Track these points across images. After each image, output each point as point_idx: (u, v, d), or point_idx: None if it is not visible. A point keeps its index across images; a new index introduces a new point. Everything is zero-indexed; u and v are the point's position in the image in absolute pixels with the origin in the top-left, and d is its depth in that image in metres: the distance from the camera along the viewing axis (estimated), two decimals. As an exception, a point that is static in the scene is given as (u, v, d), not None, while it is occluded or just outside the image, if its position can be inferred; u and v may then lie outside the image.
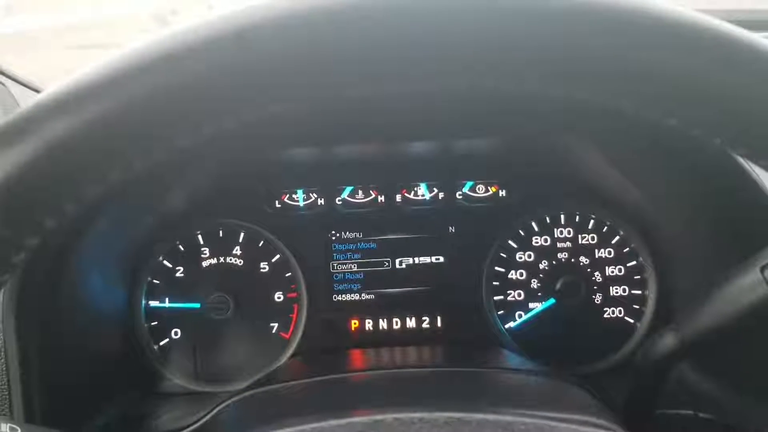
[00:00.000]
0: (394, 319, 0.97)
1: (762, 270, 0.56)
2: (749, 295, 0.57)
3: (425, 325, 0.97)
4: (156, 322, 0.94)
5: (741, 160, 0.73)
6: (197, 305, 0.94)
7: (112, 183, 0.36)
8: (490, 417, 0.43)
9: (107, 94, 0.33)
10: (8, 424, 0.56)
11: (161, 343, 0.94)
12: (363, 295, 0.97)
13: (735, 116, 0.35)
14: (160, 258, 0.95)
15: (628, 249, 0.96)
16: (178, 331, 0.94)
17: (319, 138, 0.83)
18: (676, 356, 0.63)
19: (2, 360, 0.72)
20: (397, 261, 0.97)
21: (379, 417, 0.46)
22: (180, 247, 0.95)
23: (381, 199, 0.98)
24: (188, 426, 0.67)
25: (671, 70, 0.33)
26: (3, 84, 0.93)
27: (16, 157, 0.32)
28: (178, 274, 0.95)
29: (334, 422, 0.44)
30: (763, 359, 0.71)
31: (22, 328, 0.72)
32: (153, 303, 0.94)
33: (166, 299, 0.94)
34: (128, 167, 0.35)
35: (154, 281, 0.94)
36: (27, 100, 0.91)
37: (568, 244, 0.97)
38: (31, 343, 0.73)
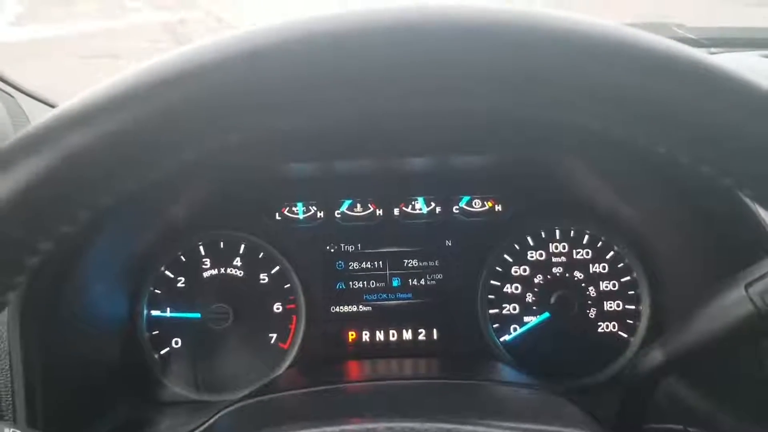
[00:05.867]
0: (391, 331, 0.98)
1: (746, 287, 0.58)
2: (734, 311, 0.58)
3: (421, 337, 0.98)
4: (157, 332, 0.96)
5: None
6: (198, 315, 0.96)
7: (123, 193, 0.38)
8: (480, 429, 0.45)
9: (121, 109, 0.35)
10: (12, 429, 0.58)
11: (162, 352, 0.96)
12: (360, 307, 0.99)
13: (741, 157, 0.36)
14: (163, 268, 0.97)
15: (622, 264, 0.98)
16: (179, 340, 0.96)
17: (320, 153, 0.85)
18: (663, 371, 0.65)
19: (7, 366, 0.74)
20: (395, 274, 0.99)
21: (371, 426, 0.48)
22: (182, 257, 0.97)
23: (379, 212, 1.00)
24: None
25: (680, 112, 0.35)
26: (12, 96, 0.96)
27: (36, 165, 0.35)
28: (179, 285, 0.97)
29: (328, 429, 0.46)
30: (748, 375, 0.72)
31: (26, 335, 0.74)
32: (155, 312, 0.96)
33: (168, 309, 0.96)
34: (140, 178, 0.38)
35: (156, 291, 0.96)
36: (35, 112, 0.93)
37: (563, 258, 0.98)
38: (35, 350, 0.75)
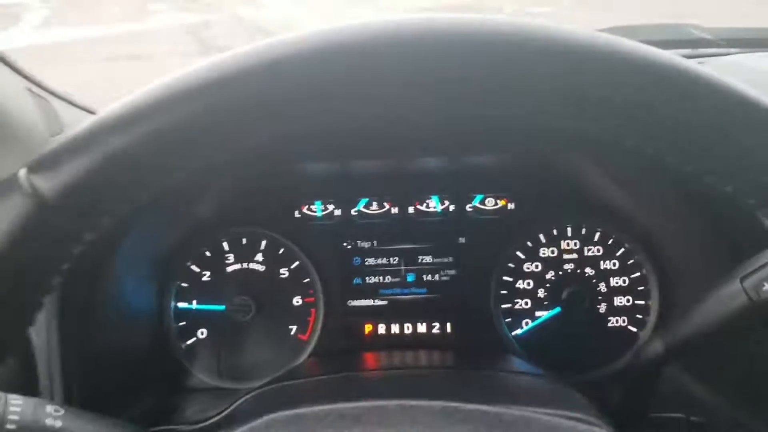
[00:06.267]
0: (406, 325, 1.02)
1: (741, 280, 0.61)
2: (729, 303, 0.61)
3: (435, 330, 1.02)
4: (184, 323, 1.01)
5: None
6: (222, 307, 1.01)
7: (158, 190, 0.43)
8: (482, 407, 0.48)
9: (157, 114, 0.40)
10: (53, 406, 0.62)
11: (188, 342, 1.01)
12: (376, 301, 1.03)
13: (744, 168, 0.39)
14: (189, 263, 1.01)
15: (632, 261, 1.00)
16: (204, 331, 1.01)
17: (337, 154, 0.89)
18: (663, 360, 0.68)
19: (45, 351, 0.79)
20: (409, 269, 1.03)
21: (383, 403, 0.51)
22: (207, 253, 1.02)
23: (395, 210, 1.03)
24: (211, 418, 0.72)
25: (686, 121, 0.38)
26: (45, 99, 1.01)
27: (82, 164, 0.39)
28: (204, 278, 1.01)
29: (342, 406, 0.49)
30: (743, 365, 0.75)
31: (64, 323, 0.79)
32: (181, 305, 1.01)
33: (194, 301, 1.01)
34: (172, 176, 0.42)
35: (183, 285, 1.01)
36: (68, 115, 0.98)
37: (574, 255, 1.01)
38: (72, 337, 0.80)
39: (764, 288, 0.59)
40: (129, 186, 0.42)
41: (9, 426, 0.57)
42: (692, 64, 0.39)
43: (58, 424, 0.63)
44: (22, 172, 0.40)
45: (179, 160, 0.42)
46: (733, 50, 1.17)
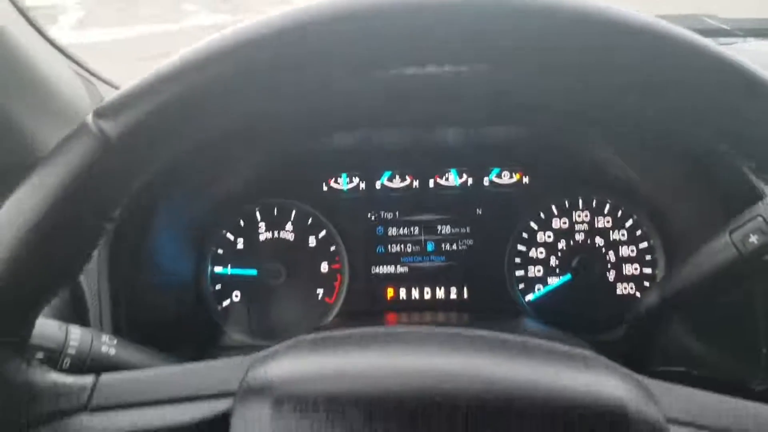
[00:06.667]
0: (425, 289, 1.09)
1: (730, 233, 0.66)
2: (719, 255, 0.66)
3: (453, 295, 1.09)
4: (219, 286, 1.09)
5: None
6: (254, 272, 1.09)
7: (190, 144, 0.48)
8: (487, 334, 0.53)
9: (210, 65, 0.44)
10: (107, 336, 0.70)
11: (223, 304, 1.09)
12: (398, 268, 1.10)
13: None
14: (224, 231, 1.10)
15: (640, 232, 1.06)
16: (238, 293, 1.09)
17: (362, 124, 0.96)
18: (658, 311, 0.73)
19: (96, 301, 0.88)
20: (429, 239, 1.10)
21: (398, 329, 0.57)
22: (241, 222, 1.10)
23: (416, 184, 1.10)
24: None
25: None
26: (92, 83, 1.10)
27: (144, 109, 0.44)
28: (238, 245, 1.10)
29: (369, 329, 0.55)
30: (734, 316, 0.80)
31: (113, 272, 0.88)
32: (217, 269, 1.09)
33: (228, 266, 1.09)
34: (220, 123, 0.48)
35: (218, 251, 1.09)
36: (108, 93, 1.07)
37: (585, 226, 1.07)
38: (119, 288, 0.89)
39: (750, 240, 0.64)
40: (184, 130, 0.48)
41: (69, 351, 0.65)
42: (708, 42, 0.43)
43: (112, 351, 0.71)
44: (89, 117, 0.44)
45: (227, 108, 0.49)
46: (750, 39, 1.21)
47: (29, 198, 0.42)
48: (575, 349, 0.46)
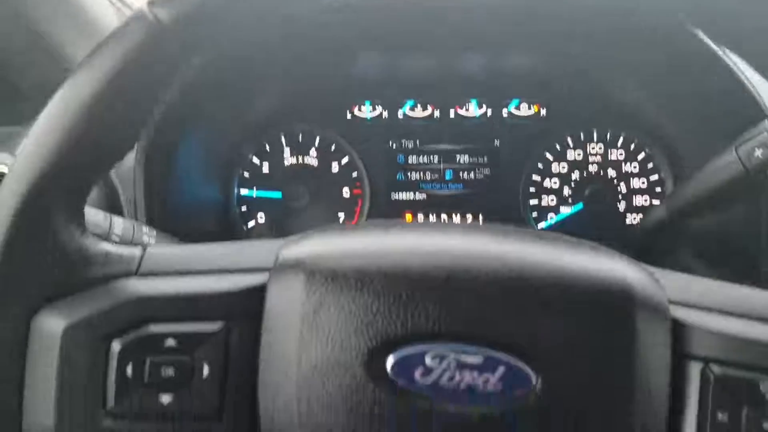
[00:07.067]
0: (443, 215, 1.14)
1: (736, 149, 0.70)
2: (725, 170, 0.70)
3: (469, 221, 1.13)
4: (245, 208, 1.14)
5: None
6: (279, 195, 1.13)
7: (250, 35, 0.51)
8: (504, 226, 0.56)
9: None
10: (147, 227, 0.75)
11: (249, 225, 1.13)
12: (417, 194, 1.14)
13: None
14: (250, 155, 1.13)
15: (651, 164, 1.10)
16: (263, 215, 1.13)
17: (384, 44, 0.98)
18: (664, 224, 0.77)
19: (132, 208, 0.92)
20: (448, 167, 1.14)
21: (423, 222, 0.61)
22: (266, 146, 1.14)
23: (437, 114, 1.14)
24: None
25: None
26: (122, 10, 1.12)
27: (181, 6, 0.46)
28: (264, 170, 1.14)
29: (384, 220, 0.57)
30: (738, 232, 0.85)
31: (147, 194, 0.92)
32: (243, 192, 1.14)
33: (254, 189, 1.13)
34: (245, 29, 0.51)
35: (245, 174, 1.13)
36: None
37: (599, 158, 1.11)
38: (153, 207, 0.93)
39: (755, 154, 0.68)
40: (231, 22, 0.51)
41: (114, 238, 0.70)
42: None
43: (152, 241, 0.76)
44: (145, 5, 0.48)
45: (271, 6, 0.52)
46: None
47: (89, 73, 0.45)
48: (583, 240, 0.50)
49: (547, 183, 1.12)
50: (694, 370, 0.43)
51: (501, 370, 0.41)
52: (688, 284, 0.48)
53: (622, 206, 1.11)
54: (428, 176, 1.14)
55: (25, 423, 0.44)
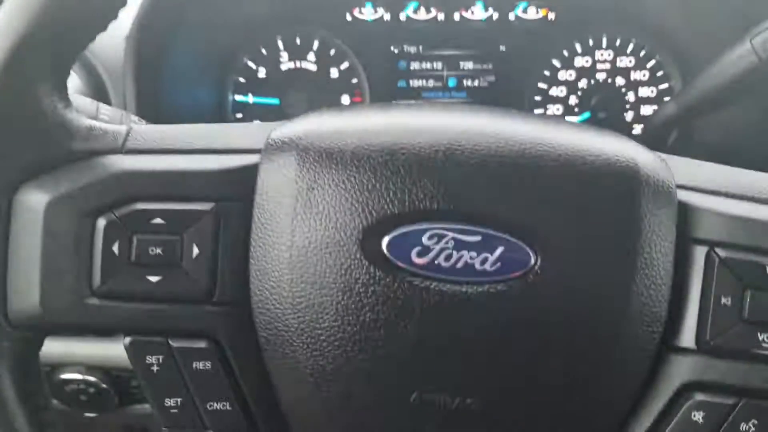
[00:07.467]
0: (445, 124, 1.10)
1: (751, 40, 0.66)
2: (739, 62, 0.67)
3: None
4: (241, 114, 1.10)
5: None
6: (276, 101, 1.09)
7: None
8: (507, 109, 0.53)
9: None
10: (136, 117, 0.72)
11: (246, 132, 1.11)
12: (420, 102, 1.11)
13: None
14: (245, 59, 1.09)
15: (661, 73, 1.06)
16: (259, 122, 1.10)
17: None
18: (674, 121, 0.75)
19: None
20: (451, 74, 1.10)
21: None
22: (262, 50, 1.09)
23: (441, 16, 1.08)
24: None
25: None
26: None
27: None
28: (260, 75, 1.09)
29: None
30: (750, 125, 0.82)
31: (139, 95, 0.89)
32: (239, 98, 1.10)
33: (250, 95, 1.10)
34: None
35: (240, 79, 1.09)
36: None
37: (607, 66, 1.07)
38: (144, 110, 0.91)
39: None
40: None
41: (101, 118, 0.67)
42: None
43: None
44: None
45: None
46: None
47: None
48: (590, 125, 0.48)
49: (553, 91, 1.08)
50: (699, 254, 0.42)
51: (500, 249, 0.40)
52: (697, 169, 0.46)
53: (629, 116, 1.07)
54: (431, 84, 1.10)
55: (10, 306, 0.43)
